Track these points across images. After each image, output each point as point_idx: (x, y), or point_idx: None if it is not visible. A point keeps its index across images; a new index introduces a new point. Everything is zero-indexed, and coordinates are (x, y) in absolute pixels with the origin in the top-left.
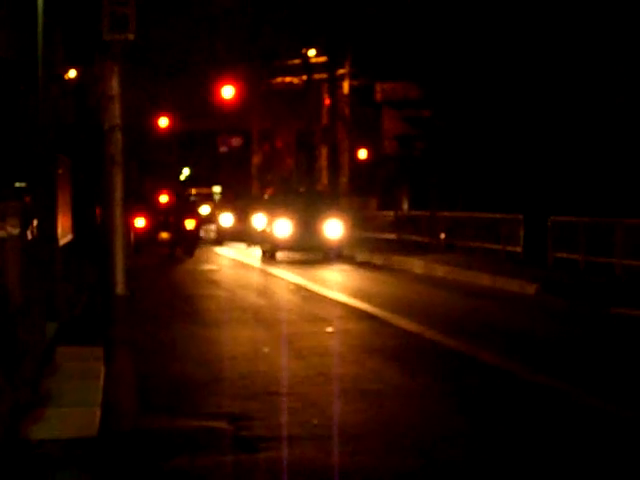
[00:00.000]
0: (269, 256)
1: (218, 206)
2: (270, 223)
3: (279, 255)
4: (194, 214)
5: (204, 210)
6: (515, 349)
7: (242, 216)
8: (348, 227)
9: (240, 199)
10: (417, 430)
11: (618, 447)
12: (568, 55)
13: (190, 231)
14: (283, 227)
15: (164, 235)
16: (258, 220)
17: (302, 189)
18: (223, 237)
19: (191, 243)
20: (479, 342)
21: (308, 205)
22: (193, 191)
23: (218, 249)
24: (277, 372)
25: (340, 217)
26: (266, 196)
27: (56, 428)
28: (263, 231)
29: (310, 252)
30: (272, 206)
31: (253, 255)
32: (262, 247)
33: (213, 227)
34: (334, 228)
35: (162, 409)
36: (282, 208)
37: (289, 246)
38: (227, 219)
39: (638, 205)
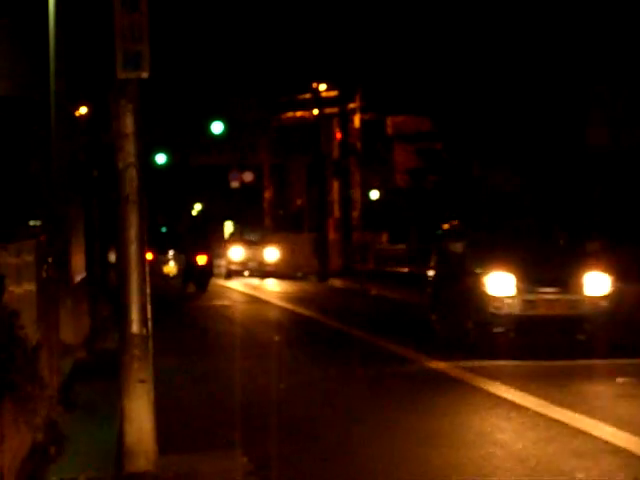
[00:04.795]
0: None
1: None
2: None
3: None
4: (206, 249)
5: None
6: None
7: None
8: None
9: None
10: None
11: None
12: (580, 86)
13: (202, 266)
14: None
15: (167, 269)
16: None
17: None
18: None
19: (203, 278)
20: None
21: None
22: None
23: None
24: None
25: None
26: None
27: (72, 468)
28: None
29: None
30: None
31: None
32: None
33: None
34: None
35: (180, 447)
36: None
37: None
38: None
39: None
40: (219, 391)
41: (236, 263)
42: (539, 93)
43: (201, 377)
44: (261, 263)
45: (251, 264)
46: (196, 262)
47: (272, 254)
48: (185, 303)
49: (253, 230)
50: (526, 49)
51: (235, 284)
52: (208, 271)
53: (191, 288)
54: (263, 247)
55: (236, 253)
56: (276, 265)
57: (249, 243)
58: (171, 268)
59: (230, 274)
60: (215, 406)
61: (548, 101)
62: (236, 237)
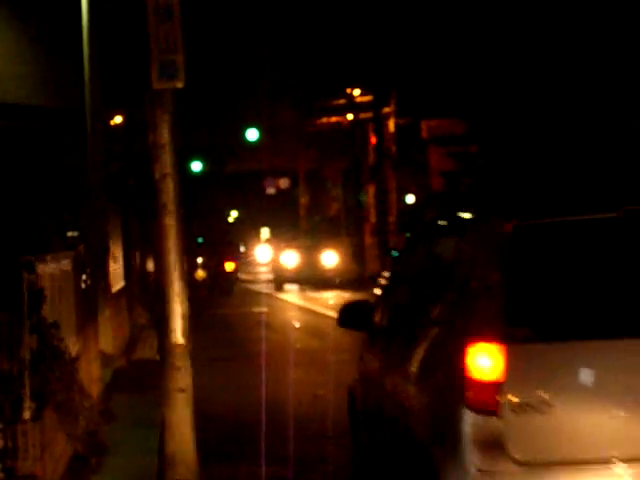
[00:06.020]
0: None
1: None
2: None
3: None
4: (235, 256)
5: None
6: None
7: None
8: None
9: None
10: None
11: None
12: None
13: (229, 273)
14: None
15: (197, 275)
16: None
17: None
18: None
19: (230, 283)
20: None
21: None
22: None
23: None
24: None
25: None
26: None
27: (114, 479)
28: None
29: None
30: None
31: None
32: None
33: None
34: None
35: (222, 456)
36: None
37: None
38: None
39: None
40: (258, 401)
41: (289, 271)
42: (577, 94)
43: (241, 386)
44: (318, 269)
45: (305, 271)
46: (224, 268)
47: (331, 259)
48: (218, 310)
49: (309, 234)
50: (565, 51)
51: (270, 290)
52: (235, 277)
53: (217, 294)
54: (319, 252)
55: (289, 259)
56: (335, 271)
57: (303, 248)
58: (201, 274)
59: (281, 284)
60: (255, 416)
61: (587, 102)
62: (287, 242)
